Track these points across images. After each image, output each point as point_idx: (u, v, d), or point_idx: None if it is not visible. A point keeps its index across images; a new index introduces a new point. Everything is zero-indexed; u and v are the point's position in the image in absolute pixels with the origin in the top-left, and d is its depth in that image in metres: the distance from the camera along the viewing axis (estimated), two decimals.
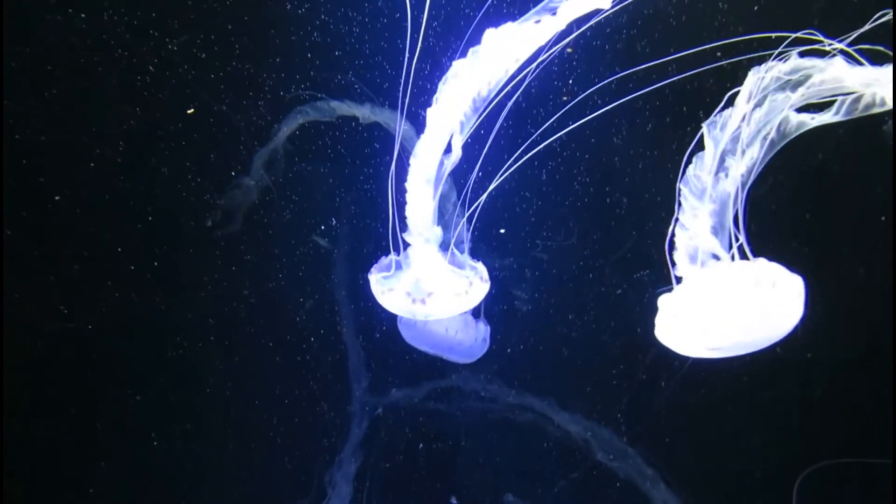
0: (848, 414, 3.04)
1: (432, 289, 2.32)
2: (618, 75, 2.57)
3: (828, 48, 2.10)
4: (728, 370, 2.49)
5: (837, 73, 2.05)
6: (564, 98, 2.68)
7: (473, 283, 2.36)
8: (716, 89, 2.30)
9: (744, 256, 2.16)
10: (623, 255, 3.01)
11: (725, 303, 2.08)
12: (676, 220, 2.24)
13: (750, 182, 2.20)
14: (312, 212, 3.10)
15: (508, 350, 3.21)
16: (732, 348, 2.23)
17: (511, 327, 3.16)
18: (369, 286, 2.53)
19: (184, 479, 3.34)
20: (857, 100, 2.11)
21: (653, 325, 2.79)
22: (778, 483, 3.10)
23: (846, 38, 2.11)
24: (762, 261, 2.13)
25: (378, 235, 2.88)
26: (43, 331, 3.07)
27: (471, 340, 2.87)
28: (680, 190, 2.23)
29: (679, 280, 2.19)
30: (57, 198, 2.94)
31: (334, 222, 3.11)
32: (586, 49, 2.72)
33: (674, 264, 2.22)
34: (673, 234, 2.21)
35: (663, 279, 2.67)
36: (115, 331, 3.14)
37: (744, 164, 2.17)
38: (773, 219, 2.62)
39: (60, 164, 2.92)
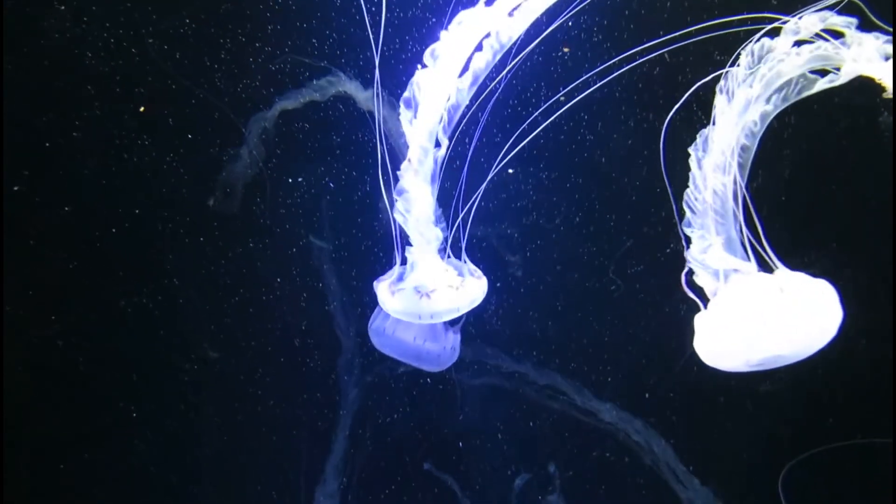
0: (849, 406, 3.03)
1: (434, 286, 2.39)
2: (606, 64, 2.55)
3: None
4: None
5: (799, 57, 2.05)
6: (562, 99, 2.66)
7: (472, 279, 2.45)
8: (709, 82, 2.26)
9: (763, 262, 2.15)
10: (623, 253, 3.03)
11: (759, 315, 2.05)
12: (685, 237, 2.21)
13: (744, 187, 2.16)
14: (304, 205, 3.07)
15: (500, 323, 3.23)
16: (775, 360, 2.16)
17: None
18: (362, 279, 2.61)
19: (172, 479, 3.30)
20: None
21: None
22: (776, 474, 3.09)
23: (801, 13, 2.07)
24: (785, 270, 2.11)
25: (372, 231, 3.02)
26: (31, 332, 3.02)
27: (439, 349, 2.84)
28: (684, 213, 2.23)
29: (706, 298, 2.18)
30: (16, 188, 2.87)
31: (329, 201, 3.08)
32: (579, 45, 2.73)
33: (690, 286, 2.20)
34: (687, 252, 2.21)
35: (659, 275, 2.85)
36: (102, 327, 3.11)
37: (733, 173, 2.14)
38: (776, 219, 2.50)
39: (45, 161, 2.88)
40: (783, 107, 2.12)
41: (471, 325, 3.13)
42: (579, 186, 2.99)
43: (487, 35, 2.21)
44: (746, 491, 3.22)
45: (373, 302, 2.69)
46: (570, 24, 2.48)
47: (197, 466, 3.29)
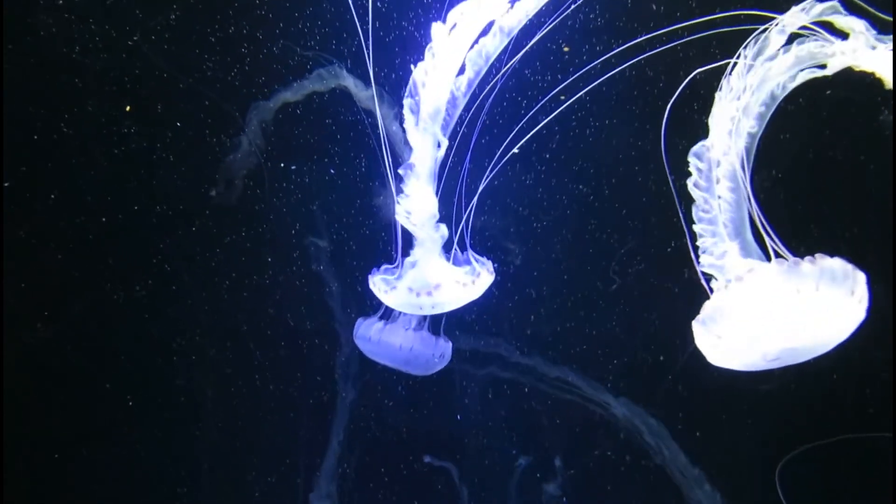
0: (850, 404, 3.00)
1: (438, 280, 2.37)
2: (606, 56, 2.50)
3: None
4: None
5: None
6: (562, 97, 2.66)
7: (480, 274, 2.43)
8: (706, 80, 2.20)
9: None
10: (625, 251, 3.02)
11: (771, 311, 1.97)
12: (694, 246, 2.17)
13: (751, 189, 2.11)
14: (303, 196, 3.07)
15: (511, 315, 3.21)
16: (790, 356, 2.11)
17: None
18: (364, 278, 2.57)
19: (170, 471, 3.34)
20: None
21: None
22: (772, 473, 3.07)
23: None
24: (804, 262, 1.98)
25: (371, 224, 3.00)
26: (28, 328, 3.04)
27: (428, 355, 2.83)
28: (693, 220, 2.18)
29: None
30: (6, 184, 2.87)
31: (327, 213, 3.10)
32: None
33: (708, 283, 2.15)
34: (697, 257, 2.16)
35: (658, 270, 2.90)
36: (99, 322, 3.13)
37: (740, 178, 2.09)
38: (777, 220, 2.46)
39: (36, 158, 2.88)
40: (775, 105, 2.09)
41: (472, 315, 3.13)
42: (580, 179, 2.97)
43: (485, 31, 2.17)
44: (749, 485, 3.18)
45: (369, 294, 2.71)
46: (568, 12, 2.43)
47: (195, 459, 3.31)
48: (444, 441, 3.38)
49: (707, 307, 2.06)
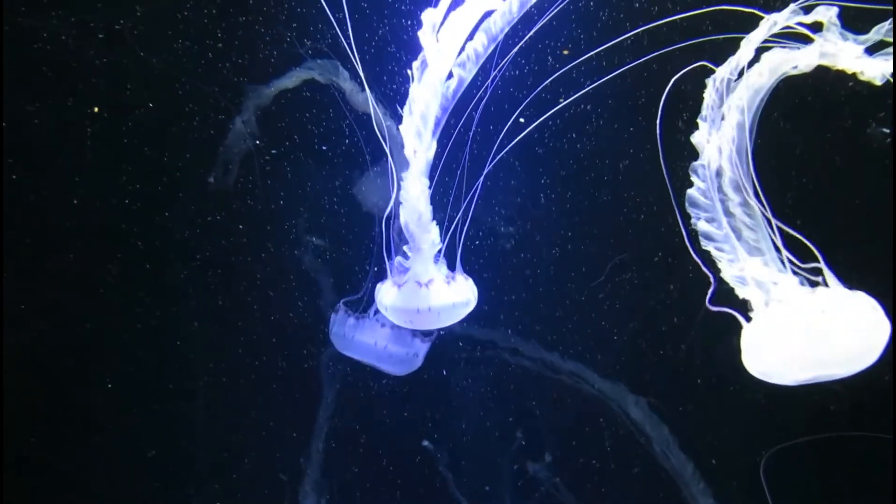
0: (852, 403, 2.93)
1: (430, 277, 2.41)
2: (592, 49, 2.50)
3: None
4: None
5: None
6: (561, 100, 2.68)
7: (465, 281, 2.50)
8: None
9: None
10: (618, 261, 3.01)
11: (802, 338, 1.99)
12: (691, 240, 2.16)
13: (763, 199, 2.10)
14: (297, 193, 3.08)
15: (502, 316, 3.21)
16: (825, 376, 2.10)
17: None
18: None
19: (167, 467, 3.37)
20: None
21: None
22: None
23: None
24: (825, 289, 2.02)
25: (365, 223, 2.98)
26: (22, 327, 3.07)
27: (402, 354, 2.84)
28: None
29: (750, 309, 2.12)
30: (14, 176, 2.92)
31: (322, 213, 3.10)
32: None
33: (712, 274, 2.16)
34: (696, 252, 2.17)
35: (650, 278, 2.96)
36: (90, 317, 3.15)
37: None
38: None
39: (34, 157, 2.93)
40: (759, 111, 2.06)
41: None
42: (581, 173, 2.94)
43: (480, 23, 2.16)
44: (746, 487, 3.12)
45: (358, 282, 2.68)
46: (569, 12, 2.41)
47: (187, 450, 3.33)
48: (438, 424, 3.36)
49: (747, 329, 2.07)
